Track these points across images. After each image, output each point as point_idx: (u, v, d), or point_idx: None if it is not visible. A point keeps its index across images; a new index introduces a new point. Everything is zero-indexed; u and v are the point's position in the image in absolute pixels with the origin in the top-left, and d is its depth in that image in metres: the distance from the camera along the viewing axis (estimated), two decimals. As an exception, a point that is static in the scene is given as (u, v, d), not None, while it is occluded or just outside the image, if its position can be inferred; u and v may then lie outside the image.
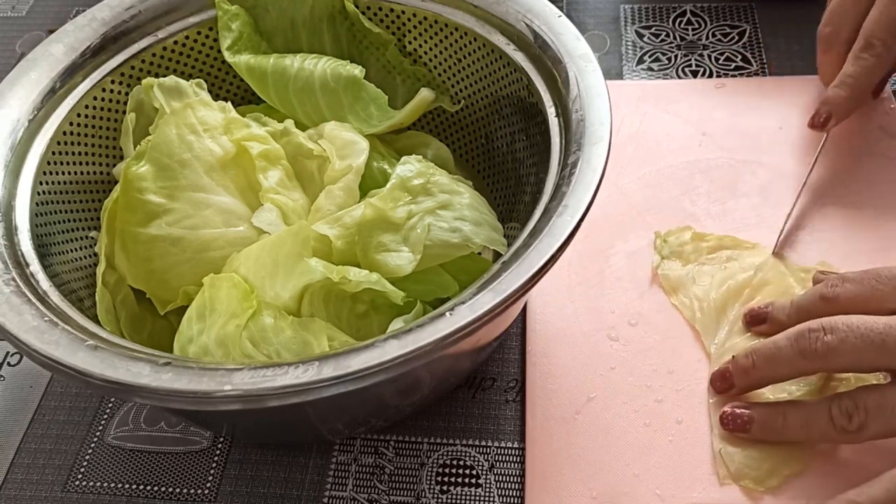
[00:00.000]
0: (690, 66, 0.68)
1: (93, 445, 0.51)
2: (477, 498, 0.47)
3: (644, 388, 0.49)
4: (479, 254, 0.49)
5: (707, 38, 0.71)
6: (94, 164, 0.52)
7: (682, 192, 0.59)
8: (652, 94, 0.66)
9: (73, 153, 0.50)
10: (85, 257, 0.49)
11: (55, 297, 0.42)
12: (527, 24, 0.50)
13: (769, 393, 0.47)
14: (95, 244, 0.49)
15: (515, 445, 0.49)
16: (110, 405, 0.53)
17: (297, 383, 0.35)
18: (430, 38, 0.55)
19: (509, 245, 0.41)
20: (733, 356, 0.47)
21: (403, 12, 0.55)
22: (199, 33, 0.55)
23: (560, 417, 0.49)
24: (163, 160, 0.45)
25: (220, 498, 0.48)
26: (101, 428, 0.52)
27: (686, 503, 0.44)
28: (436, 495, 0.47)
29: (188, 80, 0.52)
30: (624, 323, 0.52)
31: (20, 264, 0.42)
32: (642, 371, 0.50)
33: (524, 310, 0.54)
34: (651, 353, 0.51)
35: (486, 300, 0.37)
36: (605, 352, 0.51)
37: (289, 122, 0.51)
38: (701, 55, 0.69)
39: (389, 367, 0.35)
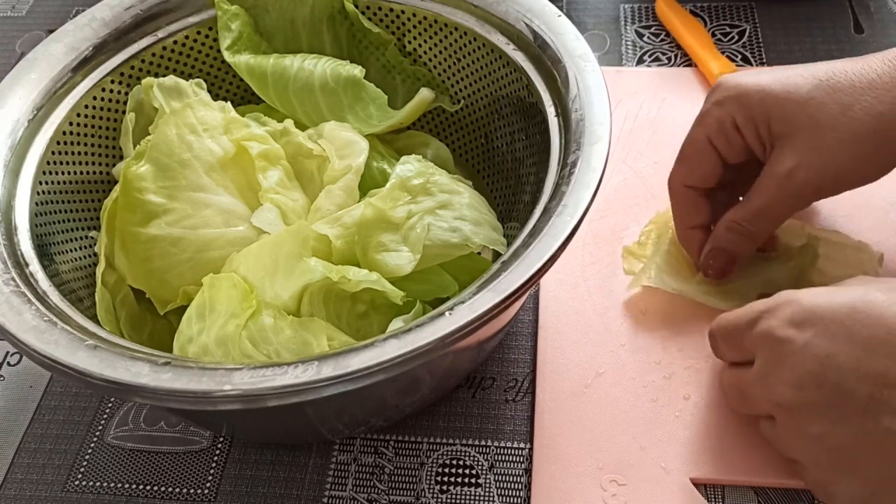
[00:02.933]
0: (690, 65, 0.68)
1: (92, 445, 0.51)
2: (477, 497, 0.47)
3: (653, 365, 0.50)
4: (479, 253, 0.49)
5: (707, 37, 0.71)
6: (93, 163, 0.52)
7: None
8: (671, 81, 0.67)
9: (73, 153, 0.50)
10: (85, 257, 0.49)
11: (55, 296, 0.42)
12: (526, 24, 0.50)
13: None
14: (95, 244, 0.49)
15: (515, 445, 0.49)
16: (110, 405, 0.53)
17: (296, 383, 0.35)
18: (430, 37, 0.55)
19: (509, 245, 0.41)
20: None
21: (403, 12, 0.55)
22: (198, 33, 0.55)
23: (569, 391, 0.50)
24: (162, 160, 0.45)
25: (219, 498, 0.48)
26: (100, 428, 0.52)
27: (690, 476, 0.45)
28: (435, 495, 0.47)
29: (188, 80, 0.52)
30: (635, 301, 0.53)
31: (20, 264, 0.42)
32: (652, 348, 0.51)
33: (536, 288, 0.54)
34: (661, 331, 0.52)
35: (485, 300, 0.37)
36: (615, 329, 0.52)
37: (288, 122, 0.51)
38: (701, 55, 0.69)
39: (389, 366, 0.35)
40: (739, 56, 0.69)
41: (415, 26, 0.55)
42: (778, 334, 0.40)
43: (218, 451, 0.50)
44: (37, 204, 0.47)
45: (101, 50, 0.52)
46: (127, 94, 0.53)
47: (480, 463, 0.48)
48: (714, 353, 0.47)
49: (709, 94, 0.49)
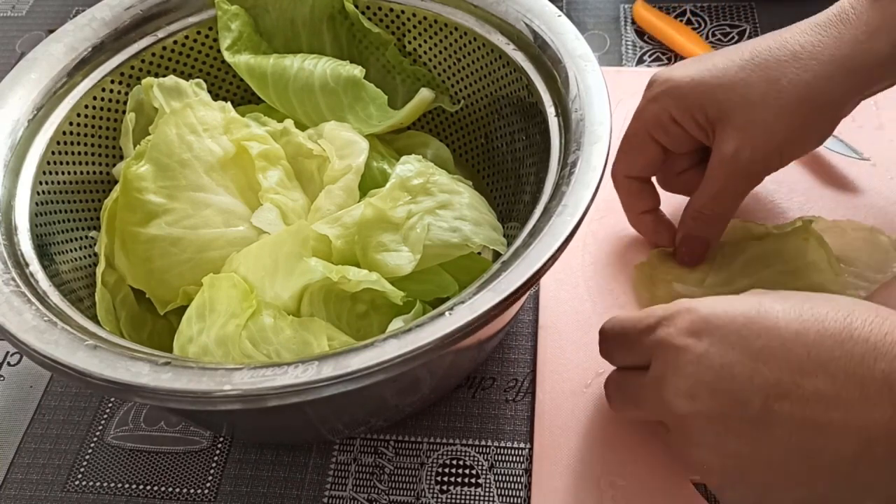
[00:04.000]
0: (690, 65, 0.68)
1: (93, 445, 0.51)
2: (477, 497, 0.47)
3: None
4: (479, 253, 0.49)
5: (707, 37, 0.71)
6: (93, 164, 0.52)
7: None
8: None
9: (73, 153, 0.50)
10: (85, 257, 0.49)
11: (55, 296, 0.42)
12: (526, 24, 0.50)
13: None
14: (95, 244, 0.49)
15: (515, 445, 0.49)
16: (110, 405, 0.53)
17: (296, 383, 0.35)
18: (430, 38, 0.55)
19: (509, 245, 0.41)
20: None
21: (403, 12, 0.55)
22: (198, 33, 0.55)
23: (569, 391, 0.50)
24: (163, 160, 0.46)
25: (219, 498, 0.48)
26: (100, 428, 0.52)
27: (690, 477, 0.45)
28: (435, 495, 0.47)
29: (188, 80, 0.52)
30: (635, 302, 0.53)
31: (20, 264, 0.42)
32: None
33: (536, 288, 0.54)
34: None
35: (485, 300, 0.37)
36: None
37: (288, 122, 0.51)
38: (701, 55, 0.69)
39: (389, 366, 0.35)
40: (739, 56, 0.68)
41: (415, 26, 0.55)
42: (676, 342, 0.39)
43: (218, 451, 0.50)
44: (37, 204, 0.47)
45: (101, 50, 0.52)
46: (127, 94, 0.53)
47: (480, 463, 0.48)
48: (602, 355, 0.45)
49: (645, 90, 0.50)
